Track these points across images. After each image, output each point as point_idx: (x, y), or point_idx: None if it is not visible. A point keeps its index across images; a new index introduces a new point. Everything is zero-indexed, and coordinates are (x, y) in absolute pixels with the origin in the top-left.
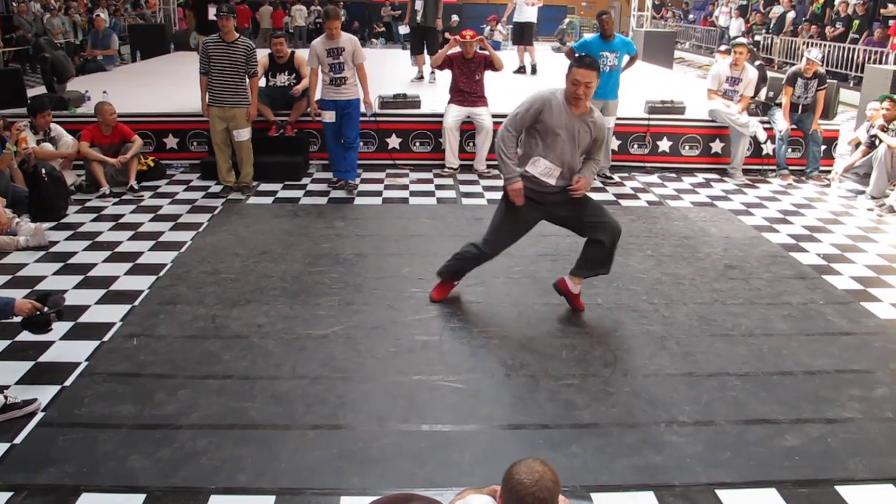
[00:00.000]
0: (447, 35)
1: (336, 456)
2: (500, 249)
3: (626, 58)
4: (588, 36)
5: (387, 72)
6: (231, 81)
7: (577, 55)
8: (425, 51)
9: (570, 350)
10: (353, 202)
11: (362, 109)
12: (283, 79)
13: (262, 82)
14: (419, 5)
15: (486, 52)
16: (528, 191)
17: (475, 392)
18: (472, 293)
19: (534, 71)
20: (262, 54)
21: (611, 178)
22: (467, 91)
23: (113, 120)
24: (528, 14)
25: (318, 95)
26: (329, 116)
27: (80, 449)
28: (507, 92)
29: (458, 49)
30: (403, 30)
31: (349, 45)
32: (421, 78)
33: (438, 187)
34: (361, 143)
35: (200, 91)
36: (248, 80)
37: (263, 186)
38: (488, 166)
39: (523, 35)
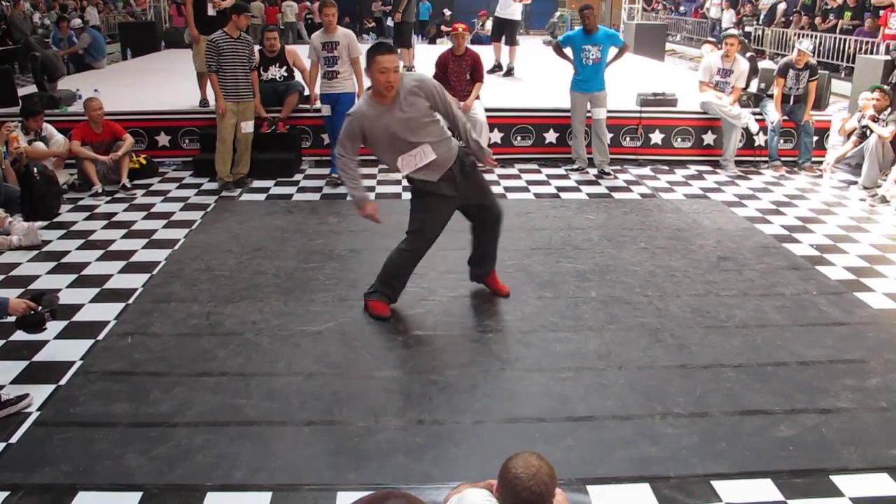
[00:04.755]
0: (442, 28)
1: (332, 451)
2: (432, 240)
3: (612, 51)
4: (571, 30)
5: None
6: (243, 76)
7: (375, 42)
8: (415, 42)
9: (564, 343)
10: (346, 198)
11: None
12: (274, 72)
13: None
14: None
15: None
16: (428, 185)
17: (470, 386)
18: (466, 287)
19: (510, 72)
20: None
21: (609, 173)
22: (459, 88)
23: (99, 115)
24: (513, 10)
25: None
26: (325, 110)
27: (75, 448)
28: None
29: (449, 45)
30: (391, 23)
31: (344, 39)
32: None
33: None
34: None
35: (215, 90)
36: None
37: (256, 183)
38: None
39: (503, 32)
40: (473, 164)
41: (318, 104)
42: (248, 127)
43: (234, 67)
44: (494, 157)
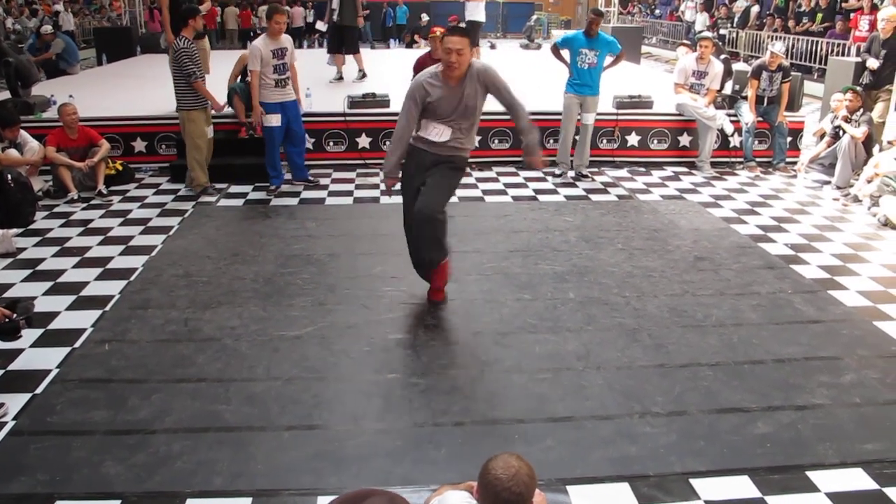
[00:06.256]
0: (415, 37)
1: (312, 456)
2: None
3: (609, 57)
4: (571, 32)
5: (352, 70)
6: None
7: (450, 25)
8: (353, 51)
9: (543, 344)
10: (325, 202)
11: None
12: None
13: (238, 79)
14: (336, 4)
15: None
16: (415, 152)
17: (450, 389)
18: (445, 290)
19: None
20: (233, 54)
21: (587, 176)
22: None
23: (74, 121)
24: (472, 10)
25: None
26: (276, 120)
27: (52, 457)
28: None
29: (427, 49)
30: (321, 27)
31: (289, 44)
32: (340, 78)
33: None
34: (332, 143)
35: (207, 94)
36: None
37: (234, 188)
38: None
39: (473, 35)
40: (452, 164)
41: (269, 117)
42: (211, 131)
43: (201, 72)
44: (476, 160)
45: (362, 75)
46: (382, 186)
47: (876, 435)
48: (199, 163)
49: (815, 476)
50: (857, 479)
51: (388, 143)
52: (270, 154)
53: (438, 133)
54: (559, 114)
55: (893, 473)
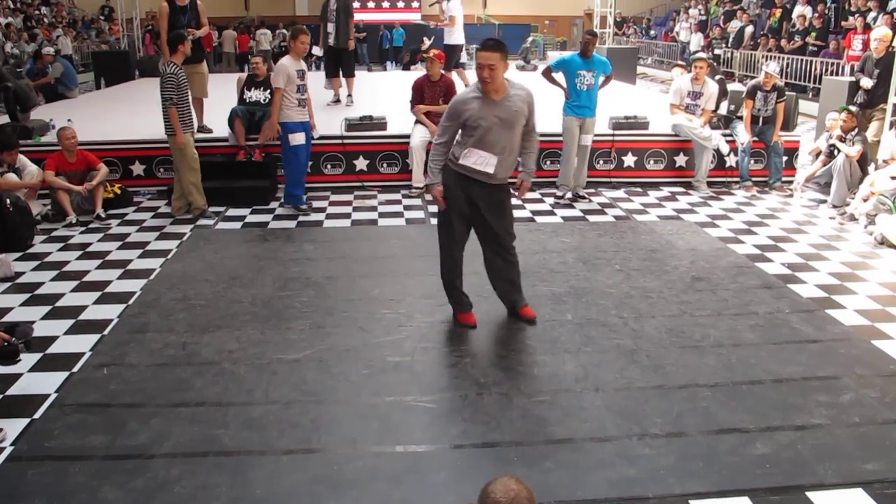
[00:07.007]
0: (418, 56)
1: (311, 480)
2: (456, 251)
3: (601, 77)
4: (567, 54)
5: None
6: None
7: (485, 40)
8: (341, 73)
9: (541, 366)
10: (322, 225)
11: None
12: (257, 94)
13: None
14: (331, 28)
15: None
16: (460, 184)
17: (448, 411)
18: (442, 312)
19: None
20: (230, 77)
21: (584, 197)
22: (434, 112)
23: (72, 144)
24: (449, 36)
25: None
26: (301, 138)
27: (50, 482)
28: None
29: (423, 72)
30: (317, 51)
31: (305, 66)
32: (338, 101)
33: (407, 208)
34: (329, 166)
35: (175, 123)
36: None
37: (232, 211)
38: None
39: (451, 59)
40: (508, 191)
41: (294, 136)
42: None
43: (189, 97)
44: None
45: (350, 101)
46: (429, 197)
47: (876, 455)
48: (196, 186)
49: (814, 497)
50: (857, 500)
51: (384, 164)
52: (298, 172)
53: (484, 162)
54: (556, 135)
55: (894, 493)
